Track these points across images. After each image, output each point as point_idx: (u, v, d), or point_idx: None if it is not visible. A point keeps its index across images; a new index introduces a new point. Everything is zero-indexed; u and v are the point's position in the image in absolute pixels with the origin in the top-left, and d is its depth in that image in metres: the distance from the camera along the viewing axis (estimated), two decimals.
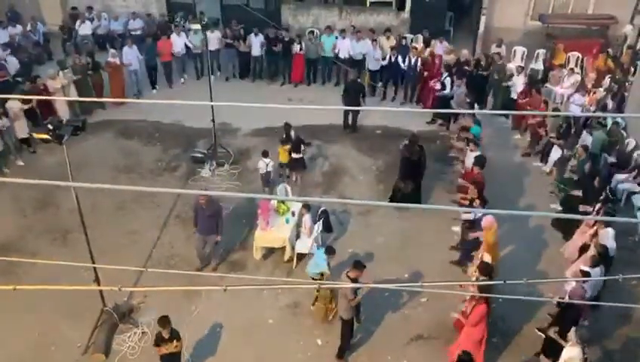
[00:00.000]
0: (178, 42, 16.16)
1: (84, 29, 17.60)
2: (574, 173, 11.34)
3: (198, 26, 12.52)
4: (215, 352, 8.37)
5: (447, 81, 14.07)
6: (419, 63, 15.15)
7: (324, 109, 14.18)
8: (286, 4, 18.93)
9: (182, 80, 16.77)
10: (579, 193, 10.59)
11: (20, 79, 14.35)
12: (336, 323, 8.81)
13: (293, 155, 11.91)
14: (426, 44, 16.49)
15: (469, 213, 9.56)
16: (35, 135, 7.47)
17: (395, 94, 15.95)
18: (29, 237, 10.62)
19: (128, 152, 13.39)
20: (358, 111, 13.96)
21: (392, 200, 11.17)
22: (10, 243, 10.45)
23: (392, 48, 15.71)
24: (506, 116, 14.70)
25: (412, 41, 17.10)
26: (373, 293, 9.25)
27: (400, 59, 15.30)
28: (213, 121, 12.48)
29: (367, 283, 8.45)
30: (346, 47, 16.14)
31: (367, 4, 18.85)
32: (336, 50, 16.21)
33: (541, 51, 16.52)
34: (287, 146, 11.86)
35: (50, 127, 6.96)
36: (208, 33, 15.90)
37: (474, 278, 8.43)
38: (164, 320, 7.34)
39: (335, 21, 18.41)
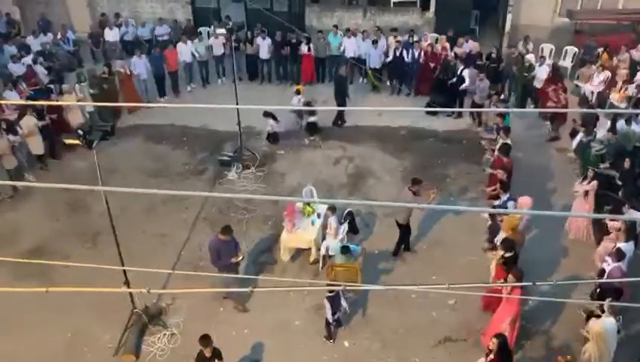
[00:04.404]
0: (184, 51, 16.04)
1: (112, 35, 17.92)
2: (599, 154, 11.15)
3: (223, 31, 12.62)
4: (242, 354, 8.41)
5: (466, 73, 14.09)
6: (422, 56, 15.38)
7: (350, 110, 14.20)
8: (310, 6, 18.96)
9: (188, 88, 16.57)
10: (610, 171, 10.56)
11: (52, 87, 14.63)
12: (363, 325, 8.83)
13: (310, 120, 13.56)
14: (452, 43, 16.31)
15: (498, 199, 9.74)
16: (66, 140, 7.61)
17: (408, 90, 16.07)
18: (61, 241, 10.85)
19: (157, 156, 13.57)
20: (344, 104, 14.10)
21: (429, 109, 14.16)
22: (43, 246, 10.69)
23: (396, 42, 15.75)
24: (534, 106, 14.57)
25: (437, 40, 16.96)
26: (400, 295, 9.22)
27: (404, 53, 15.51)
28: (239, 124, 12.59)
29: (396, 285, 8.40)
30: (352, 46, 16.17)
31: (392, 5, 18.79)
32: (342, 49, 16.23)
33: (569, 48, 16.17)
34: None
35: (80, 132, 7.11)
36: (212, 39, 16.09)
37: (496, 260, 8.51)
38: (206, 339, 7.10)
39: (359, 22, 18.37)
